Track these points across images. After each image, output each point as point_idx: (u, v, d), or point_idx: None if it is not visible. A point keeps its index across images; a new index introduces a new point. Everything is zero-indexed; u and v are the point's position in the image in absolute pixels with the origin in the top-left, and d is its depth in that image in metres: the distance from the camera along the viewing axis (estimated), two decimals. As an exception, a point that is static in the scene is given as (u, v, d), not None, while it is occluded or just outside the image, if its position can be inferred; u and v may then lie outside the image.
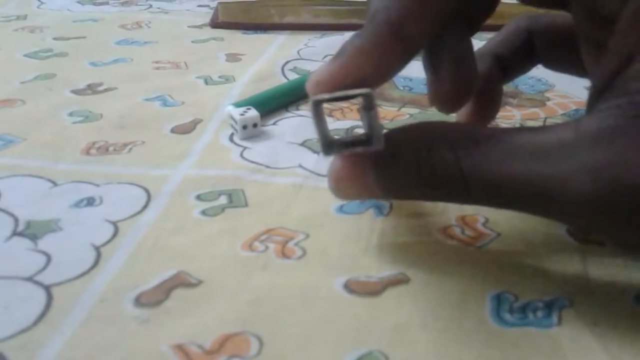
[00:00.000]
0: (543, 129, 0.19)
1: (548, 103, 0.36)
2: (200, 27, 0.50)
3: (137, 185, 0.27)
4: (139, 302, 0.20)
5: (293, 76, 0.39)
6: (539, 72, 0.33)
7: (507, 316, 0.20)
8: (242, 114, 0.31)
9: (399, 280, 0.21)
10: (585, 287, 0.21)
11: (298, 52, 0.44)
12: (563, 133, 0.19)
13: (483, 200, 0.20)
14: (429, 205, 0.25)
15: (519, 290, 0.21)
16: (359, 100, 0.20)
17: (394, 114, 0.34)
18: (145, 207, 0.25)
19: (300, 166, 0.29)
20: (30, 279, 0.21)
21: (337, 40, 0.46)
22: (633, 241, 0.22)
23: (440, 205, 0.25)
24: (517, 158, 0.19)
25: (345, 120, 0.33)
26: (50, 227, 0.24)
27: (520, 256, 0.23)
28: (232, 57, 0.43)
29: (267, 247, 0.23)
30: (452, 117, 0.28)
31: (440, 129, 0.20)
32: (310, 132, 0.32)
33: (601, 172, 0.17)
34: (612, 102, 0.18)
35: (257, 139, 0.31)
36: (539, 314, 0.20)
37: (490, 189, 0.19)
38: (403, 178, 0.20)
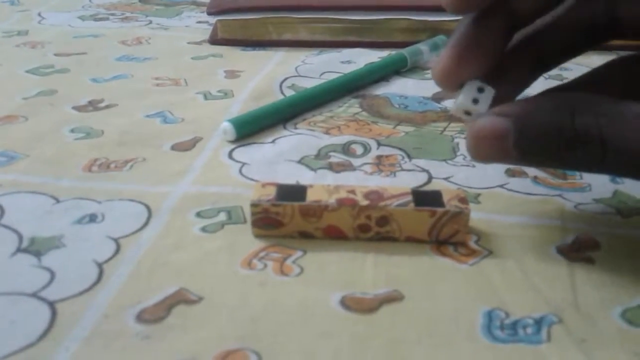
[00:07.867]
0: None
1: None
2: (199, 43, 0.51)
3: (138, 202, 0.28)
4: (141, 318, 0.21)
5: (290, 93, 0.40)
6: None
7: (498, 332, 0.20)
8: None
9: (394, 298, 0.22)
10: (573, 304, 0.22)
11: (296, 69, 0.45)
12: None
13: (616, 167, 0.22)
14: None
15: (510, 307, 0.22)
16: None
17: (390, 132, 0.35)
18: (146, 223, 0.26)
19: (298, 183, 0.29)
20: (34, 295, 0.22)
21: (333, 57, 0.46)
22: None
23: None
24: None
25: (342, 136, 0.34)
26: (53, 243, 0.25)
27: (511, 273, 0.23)
28: (231, 74, 0.44)
29: (265, 265, 0.24)
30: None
31: (582, 97, 0.22)
32: (307, 149, 0.32)
33: None
34: None
35: (255, 156, 0.32)
36: (529, 330, 0.21)
37: (626, 156, 0.21)
38: (543, 139, 0.21)
